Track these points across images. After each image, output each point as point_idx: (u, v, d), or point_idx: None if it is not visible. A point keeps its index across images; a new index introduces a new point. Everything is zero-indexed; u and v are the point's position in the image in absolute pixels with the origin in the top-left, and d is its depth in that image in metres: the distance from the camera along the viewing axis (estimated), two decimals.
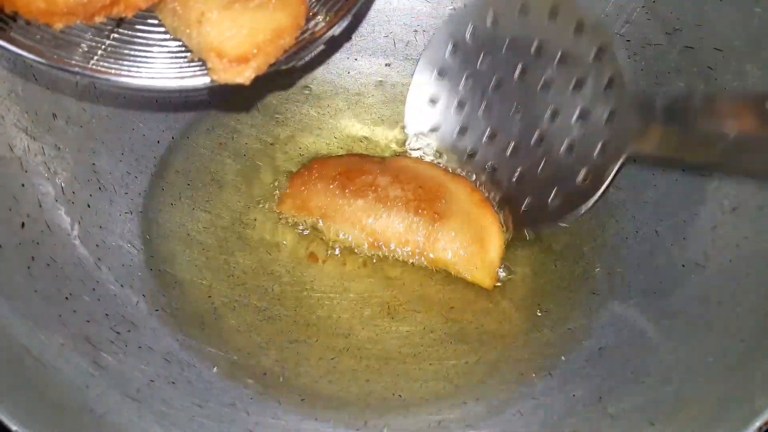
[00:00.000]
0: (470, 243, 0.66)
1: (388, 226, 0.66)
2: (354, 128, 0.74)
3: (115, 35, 0.53)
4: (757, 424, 0.49)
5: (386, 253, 0.67)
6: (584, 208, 0.63)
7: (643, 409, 0.54)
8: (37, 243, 0.59)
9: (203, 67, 0.52)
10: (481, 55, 0.68)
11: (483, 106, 0.69)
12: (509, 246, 0.67)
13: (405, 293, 0.65)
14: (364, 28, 0.75)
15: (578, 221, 0.67)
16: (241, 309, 0.64)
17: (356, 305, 0.65)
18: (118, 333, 0.58)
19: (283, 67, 0.53)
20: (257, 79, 0.51)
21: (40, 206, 0.60)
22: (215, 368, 0.60)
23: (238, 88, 0.51)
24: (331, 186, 0.68)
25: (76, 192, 0.63)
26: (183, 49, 0.53)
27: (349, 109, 0.74)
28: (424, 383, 0.61)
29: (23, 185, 0.60)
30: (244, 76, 0.50)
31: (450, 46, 0.70)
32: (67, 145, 0.63)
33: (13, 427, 0.47)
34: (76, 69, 0.50)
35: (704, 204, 0.62)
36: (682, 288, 0.60)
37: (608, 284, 0.64)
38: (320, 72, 0.75)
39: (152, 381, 0.57)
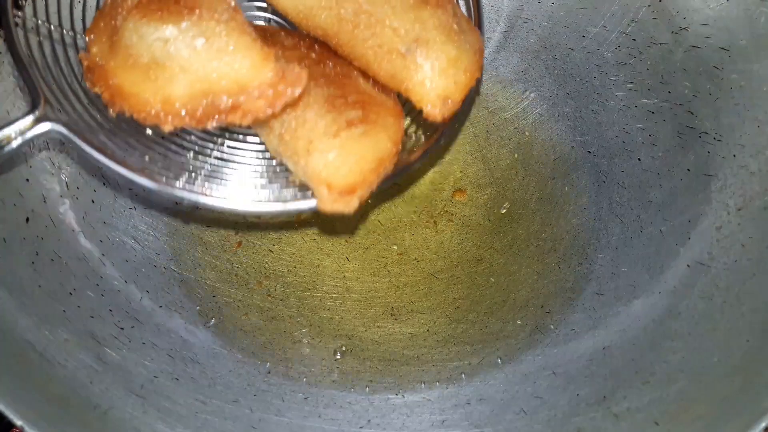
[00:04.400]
0: None
1: None
2: None
3: (216, 153, 0.55)
4: (763, 424, 0.49)
5: None
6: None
7: (647, 408, 0.54)
8: (42, 238, 0.59)
9: (304, 192, 0.53)
10: None
11: None
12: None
13: (409, 294, 0.65)
14: None
15: (582, 221, 0.67)
16: (245, 308, 0.64)
17: (359, 306, 0.65)
18: (122, 329, 0.58)
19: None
20: None
21: (45, 201, 0.60)
22: (219, 365, 0.60)
23: None
24: None
25: (80, 187, 0.63)
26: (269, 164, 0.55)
27: None
28: (427, 384, 0.61)
29: (28, 180, 0.60)
30: (350, 206, 0.50)
31: None
32: None
33: (18, 422, 0.47)
34: (184, 193, 0.51)
35: (709, 204, 0.62)
36: (687, 288, 0.60)
37: (613, 285, 0.64)
38: None
39: (156, 377, 0.57)
